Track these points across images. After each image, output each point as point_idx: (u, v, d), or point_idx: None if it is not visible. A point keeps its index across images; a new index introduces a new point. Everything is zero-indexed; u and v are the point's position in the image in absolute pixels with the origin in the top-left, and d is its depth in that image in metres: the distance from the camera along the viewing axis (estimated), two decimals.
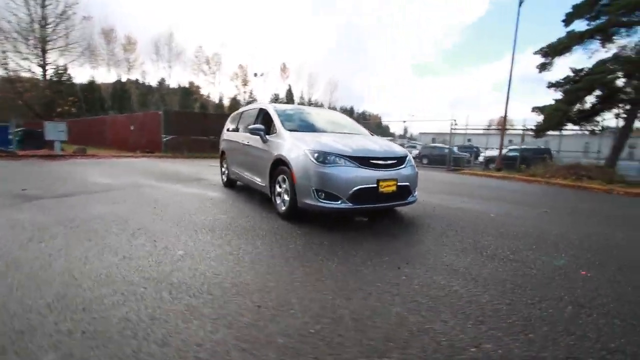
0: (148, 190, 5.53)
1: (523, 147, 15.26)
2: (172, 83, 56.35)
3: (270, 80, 60.13)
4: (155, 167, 9.62)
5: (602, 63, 10.04)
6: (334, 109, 69.44)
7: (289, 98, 62.78)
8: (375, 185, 3.42)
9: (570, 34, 11.18)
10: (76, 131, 20.33)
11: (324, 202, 3.34)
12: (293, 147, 3.71)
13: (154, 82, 55.72)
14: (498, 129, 20.32)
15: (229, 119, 6.63)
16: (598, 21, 10.95)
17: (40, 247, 2.60)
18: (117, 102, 47.81)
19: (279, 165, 3.88)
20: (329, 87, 65.66)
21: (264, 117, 4.99)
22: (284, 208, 3.78)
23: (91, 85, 45.70)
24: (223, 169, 6.37)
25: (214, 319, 1.69)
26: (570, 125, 12.39)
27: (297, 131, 4.18)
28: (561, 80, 10.83)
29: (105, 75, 53.44)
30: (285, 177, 3.74)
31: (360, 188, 3.36)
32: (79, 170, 7.99)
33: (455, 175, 12.20)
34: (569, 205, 6.26)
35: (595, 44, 11.16)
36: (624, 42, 10.75)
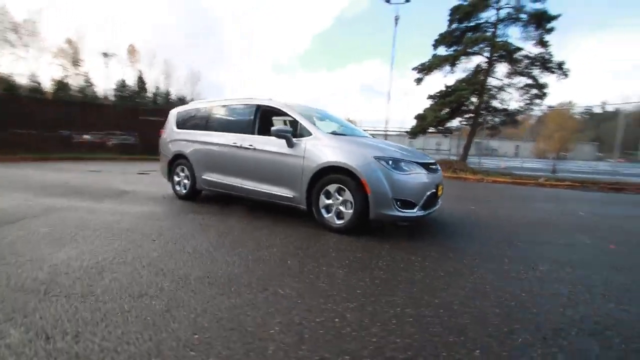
0: (76, 215, 3.77)
1: None
2: None
3: (114, 63, 48.85)
4: (16, 177, 6.57)
5: (460, 82, 13.22)
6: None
7: (141, 86, 53.03)
8: (435, 190, 3.50)
9: (436, 57, 14.15)
10: None
11: (404, 212, 3.18)
12: (353, 154, 3.33)
13: None
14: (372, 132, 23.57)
15: (179, 114, 5.24)
16: (455, 48, 14.27)
17: None
18: None
19: (327, 174, 3.42)
20: (190, 79, 59.29)
21: (263, 115, 4.24)
22: (341, 222, 3.36)
23: None
24: (178, 178, 5.00)
25: None
26: (431, 129, 15.72)
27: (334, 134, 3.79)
28: (437, 94, 13.64)
29: None
30: (343, 187, 3.32)
31: (429, 193, 3.38)
32: None
33: None
34: (472, 192, 8.03)
35: (450, 67, 14.53)
36: (466, 66, 14.46)
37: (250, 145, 4.03)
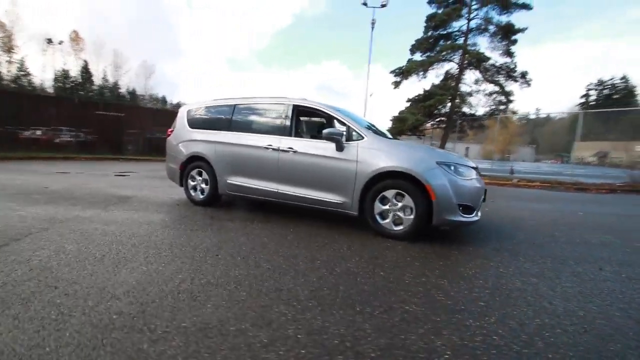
0: (91, 226, 3.26)
1: None
2: None
3: (55, 51, 43.45)
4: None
5: (436, 87, 13.87)
6: (152, 97, 59.57)
7: (86, 77, 47.97)
8: (484, 194, 3.57)
9: (412, 62, 14.69)
10: None
11: (465, 217, 3.18)
12: (414, 159, 3.26)
13: None
14: None
15: (190, 113, 4.79)
16: (428, 54, 14.92)
17: None
18: None
19: (383, 180, 3.31)
20: (143, 71, 54.70)
21: (299, 116, 4.02)
22: (400, 228, 3.28)
23: None
24: (194, 182, 4.56)
25: None
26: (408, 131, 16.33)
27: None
28: (416, 97, 14.16)
29: None
30: (402, 192, 3.24)
31: (482, 198, 3.43)
32: None
33: None
34: None
35: (423, 72, 15.19)
36: (438, 72, 15.24)
37: (289, 148, 3.79)
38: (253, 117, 4.30)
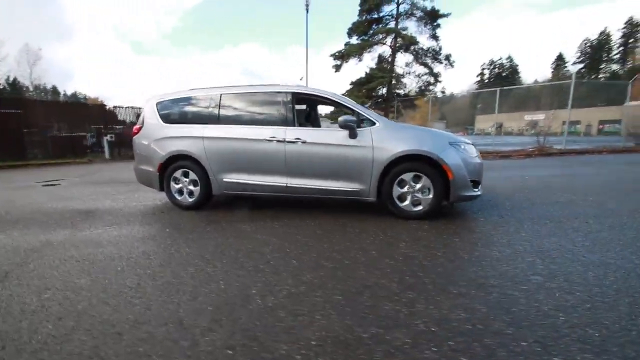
0: (84, 252, 2.70)
1: None
2: None
3: None
4: None
5: (375, 70, 14.44)
6: (38, 88, 49.53)
7: None
8: None
9: (351, 45, 14.98)
10: None
11: (475, 191, 3.46)
12: (429, 141, 3.37)
13: None
14: None
15: (162, 106, 4.16)
16: (362, 37, 15.37)
17: None
18: None
19: (399, 163, 3.38)
20: (26, 57, 44.56)
21: (299, 104, 3.81)
22: (419, 208, 3.42)
23: None
24: (179, 185, 4.03)
25: None
26: None
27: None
28: (363, 79, 14.51)
29: None
30: (419, 174, 3.36)
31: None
32: None
33: None
34: None
35: (358, 56, 15.66)
36: (373, 55, 15.88)
37: (297, 139, 3.59)
38: (246, 108, 3.92)
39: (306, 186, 3.64)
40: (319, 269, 2.27)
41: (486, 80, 72.75)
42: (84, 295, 1.94)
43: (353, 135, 3.46)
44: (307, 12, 16.42)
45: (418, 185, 3.39)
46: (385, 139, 3.42)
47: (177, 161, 3.98)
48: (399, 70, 15.16)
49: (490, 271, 2.20)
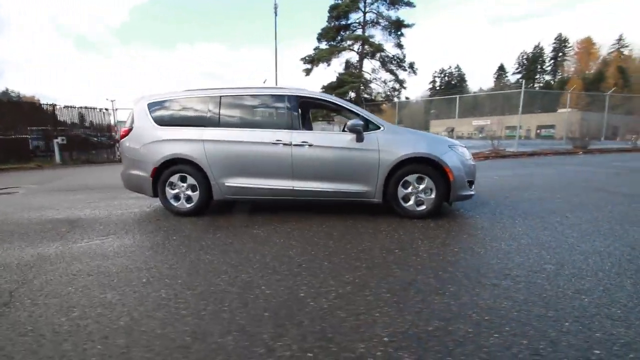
0: (93, 265, 2.49)
1: None
2: None
3: None
4: None
5: (345, 75, 14.78)
6: None
7: None
8: None
9: (320, 50, 15.19)
10: None
11: (471, 191, 3.72)
12: (431, 144, 3.57)
13: None
14: None
15: (153, 107, 3.93)
16: (331, 43, 15.67)
17: None
18: None
19: (404, 166, 3.54)
20: None
21: (303, 108, 3.83)
22: (422, 208, 3.60)
23: None
24: (175, 190, 3.84)
25: None
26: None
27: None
28: (334, 83, 14.72)
29: None
30: (423, 175, 3.54)
31: None
32: None
33: None
34: None
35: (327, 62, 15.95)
36: (341, 61, 16.26)
37: (304, 142, 3.61)
38: (248, 110, 3.85)
39: (313, 189, 3.66)
40: (355, 269, 2.32)
41: (437, 88, 77.39)
42: (120, 311, 1.80)
43: (360, 138, 3.56)
44: (276, 15, 16.41)
45: (421, 186, 3.58)
46: (391, 143, 3.57)
47: (174, 165, 3.79)
48: (366, 76, 15.75)
49: (508, 263, 2.40)
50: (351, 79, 14.59)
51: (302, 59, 15.10)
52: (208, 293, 1.99)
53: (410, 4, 15.30)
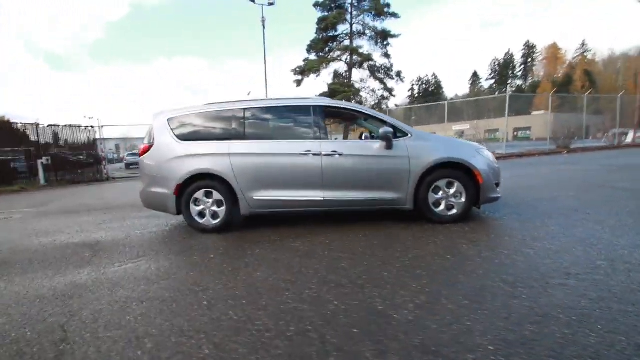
0: (127, 292, 2.34)
1: None
2: None
3: None
4: None
5: (336, 85, 14.97)
6: None
7: None
8: None
9: (310, 61, 15.35)
10: None
11: (499, 193, 3.79)
12: (460, 149, 3.64)
13: None
14: None
15: (173, 121, 3.82)
16: (319, 54, 15.87)
17: None
18: None
19: (434, 171, 3.57)
20: None
21: (327, 117, 3.82)
22: (454, 212, 3.62)
23: None
24: (201, 207, 3.70)
25: None
26: None
27: None
28: (326, 93, 14.83)
29: None
30: (452, 180, 3.58)
31: None
32: None
33: None
34: None
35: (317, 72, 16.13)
36: (330, 71, 16.48)
37: (333, 152, 3.58)
38: (273, 122, 3.81)
39: (344, 198, 3.63)
40: (417, 278, 2.29)
41: (416, 95, 79.47)
42: (198, 338, 1.68)
43: (389, 146, 3.57)
44: (264, 27, 16.48)
45: (451, 191, 3.61)
46: (420, 149, 3.60)
47: (199, 181, 3.67)
48: (356, 85, 16.04)
49: (562, 262, 2.43)
50: (343, 88, 14.82)
51: (292, 71, 15.29)
52: (281, 312, 1.90)
53: (395, 15, 15.93)
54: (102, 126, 13.76)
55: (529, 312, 1.78)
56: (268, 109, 3.82)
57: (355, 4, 14.87)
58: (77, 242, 3.66)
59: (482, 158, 3.65)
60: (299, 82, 15.37)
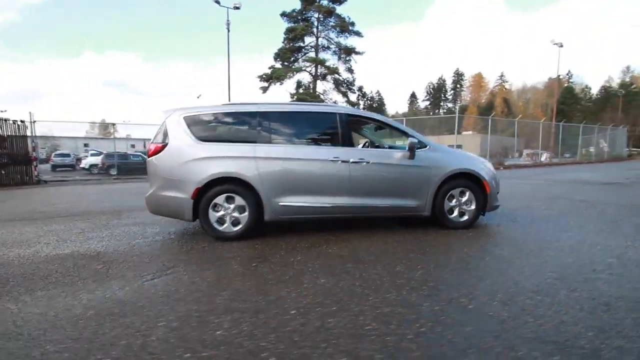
0: (196, 306, 2.13)
1: None
2: None
3: None
4: None
5: (304, 94, 15.09)
6: None
7: None
8: None
9: (277, 69, 15.30)
10: None
11: (499, 201, 4.21)
12: (471, 160, 3.97)
13: None
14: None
15: (192, 120, 3.54)
16: (285, 64, 15.93)
17: None
18: None
19: (449, 181, 3.85)
20: None
21: (349, 126, 3.87)
22: (465, 218, 3.92)
23: None
24: (221, 212, 3.45)
25: None
26: None
27: None
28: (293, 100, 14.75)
29: None
30: (464, 189, 3.89)
31: None
32: None
33: None
34: None
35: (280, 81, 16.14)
36: (294, 81, 16.61)
37: (361, 159, 3.65)
38: (300, 127, 3.76)
39: (369, 205, 3.71)
40: (481, 278, 2.45)
41: (362, 109, 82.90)
42: (338, 349, 1.59)
43: (412, 156, 3.76)
44: (229, 31, 16.02)
45: (464, 199, 3.93)
46: (438, 159, 3.86)
47: (220, 185, 3.43)
48: (321, 97, 16.39)
49: (582, 260, 2.83)
50: (309, 98, 15.01)
51: (258, 77, 15.03)
52: (384, 315, 1.89)
53: (358, 34, 16.86)
54: (35, 121, 11.92)
55: (593, 302, 2.04)
56: (294, 114, 3.78)
57: (322, 19, 15.40)
58: (81, 252, 3.12)
59: (487, 169, 4.05)
60: (265, 89, 15.23)
